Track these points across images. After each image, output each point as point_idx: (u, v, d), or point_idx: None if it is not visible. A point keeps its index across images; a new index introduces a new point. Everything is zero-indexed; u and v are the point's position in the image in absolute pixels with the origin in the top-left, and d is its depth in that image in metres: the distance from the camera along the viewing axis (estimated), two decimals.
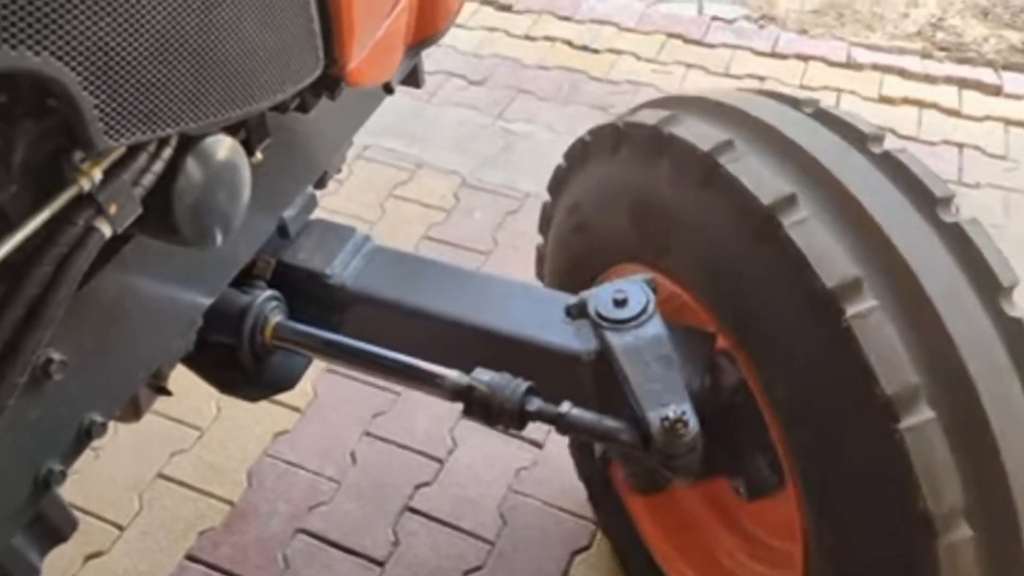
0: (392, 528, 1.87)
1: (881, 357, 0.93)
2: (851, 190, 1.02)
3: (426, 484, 1.95)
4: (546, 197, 2.71)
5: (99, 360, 0.92)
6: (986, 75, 3.12)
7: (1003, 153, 2.79)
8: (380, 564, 1.81)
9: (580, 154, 1.37)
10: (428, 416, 2.08)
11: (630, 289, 1.12)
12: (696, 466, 1.12)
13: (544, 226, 1.56)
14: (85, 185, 0.72)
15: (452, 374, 1.15)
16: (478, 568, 1.80)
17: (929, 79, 3.10)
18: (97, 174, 0.73)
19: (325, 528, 1.88)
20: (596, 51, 3.30)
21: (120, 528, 1.88)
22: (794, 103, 1.19)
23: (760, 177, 1.04)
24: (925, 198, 1.03)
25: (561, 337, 1.16)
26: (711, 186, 1.07)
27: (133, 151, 0.78)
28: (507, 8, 3.54)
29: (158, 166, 0.79)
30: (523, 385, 1.13)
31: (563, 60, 3.26)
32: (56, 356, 0.84)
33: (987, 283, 0.98)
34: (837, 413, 0.99)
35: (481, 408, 1.14)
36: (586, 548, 1.83)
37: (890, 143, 1.11)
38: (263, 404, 2.11)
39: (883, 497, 0.96)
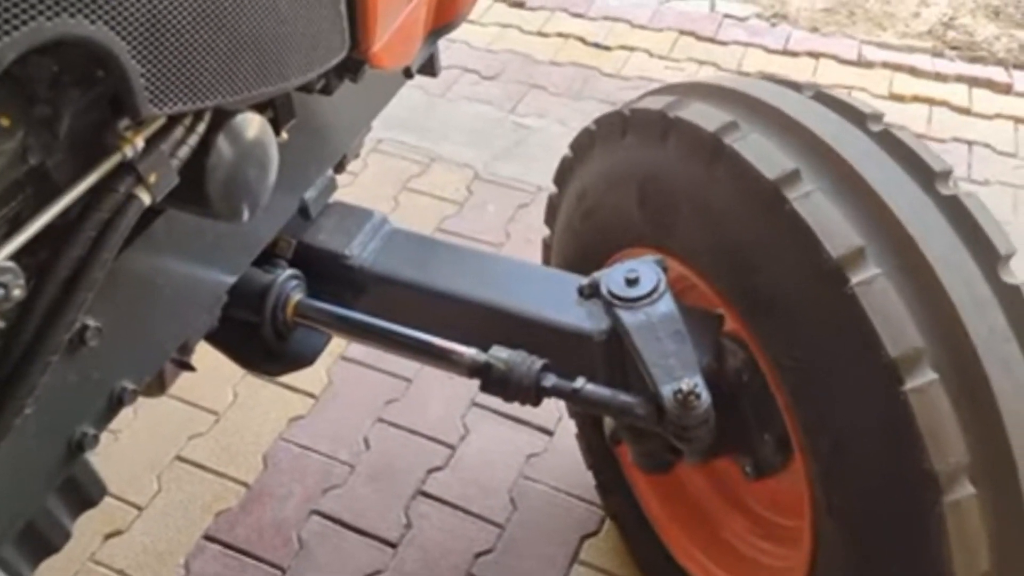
0: (404, 511, 1.90)
1: (885, 322, 0.97)
2: (853, 165, 1.06)
3: (438, 469, 1.98)
4: None
5: (131, 330, 0.96)
6: (997, 74, 3.14)
7: (1013, 151, 2.81)
8: (393, 546, 1.84)
9: (587, 143, 1.40)
10: (440, 403, 2.11)
11: (642, 268, 1.15)
12: (709, 438, 1.16)
13: (550, 217, 1.60)
14: (128, 152, 0.76)
15: (470, 351, 1.18)
16: (488, 551, 1.83)
17: (940, 77, 3.12)
18: (139, 142, 0.77)
19: (339, 510, 1.91)
20: (608, 48, 3.33)
21: (139, 508, 1.92)
22: (795, 86, 1.22)
23: (765, 154, 1.07)
24: (924, 172, 1.07)
25: (574, 317, 1.19)
26: (717, 165, 1.10)
27: (171, 123, 0.81)
28: (520, 4, 3.58)
29: (193, 139, 0.83)
30: (539, 362, 1.17)
31: (575, 56, 3.29)
32: (92, 323, 0.88)
33: (985, 252, 1.02)
34: (844, 378, 1.02)
35: (498, 384, 1.18)
36: (595, 533, 1.86)
37: (888, 121, 1.15)
38: (278, 390, 2.16)
39: (889, 457, 0.99)
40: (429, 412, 2.10)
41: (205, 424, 2.10)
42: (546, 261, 1.66)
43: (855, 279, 0.98)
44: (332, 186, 1.31)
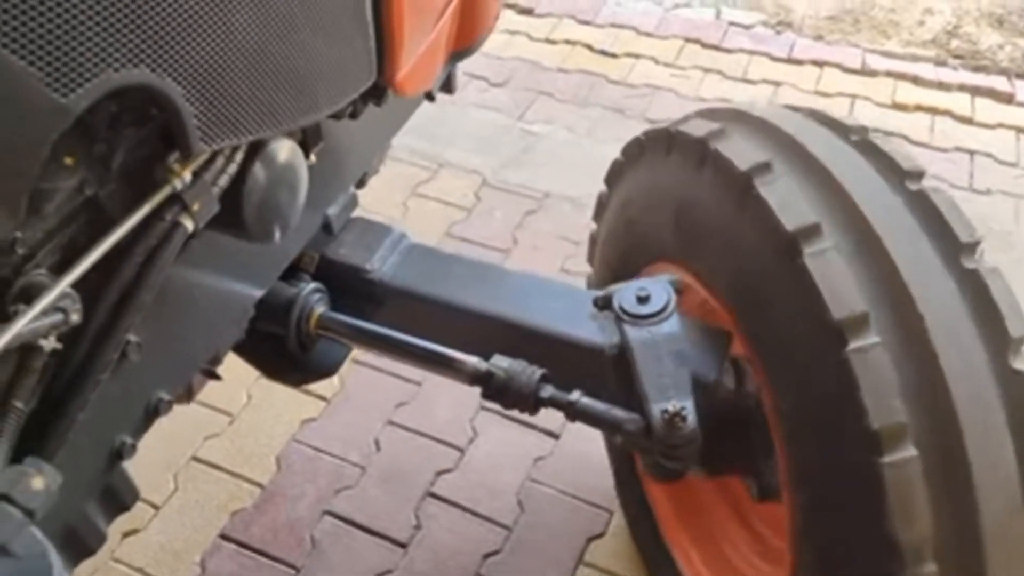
0: (414, 512, 1.95)
1: (874, 392, 0.99)
2: (875, 227, 1.06)
3: (447, 471, 2.03)
4: (565, 197, 2.79)
5: (168, 343, 1.00)
6: (999, 83, 3.18)
7: (1014, 160, 2.85)
8: (403, 546, 1.89)
9: (636, 152, 1.42)
10: (448, 407, 2.16)
11: (653, 287, 1.20)
12: (695, 458, 1.19)
13: (599, 214, 1.61)
14: (177, 184, 0.81)
15: (472, 359, 1.23)
16: (496, 552, 1.88)
17: (943, 86, 3.16)
18: (187, 175, 0.82)
19: (350, 511, 1.96)
20: (615, 55, 3.37)
21: (156, 507, 1.97)
22: (842, 130, 1.22)
23: (789, 203, 1.09)
24: (950, 242, 1.07)
25: (586, 331, 1.23)
26: (745, 204, 1.12)
27: (212, 155, 0.86)
28: (528, 12, 3.62)
29: (232, 168, 0.88)
30: (538, 372, 1.21)
31: (582, 63, 3.33)
32: (133, 338, 0.93)
33: (997, 334, 1.03)
34: (825, 439, 1.05)
35: (498, 392, 1.22)
36: (601, 535, 1.90)
37: (928, 182, 1.14)
38: (291, 392, 2.20)
39: (861, 521, 1.02)
40: (438, 415, 2.15)
41: (220, 425, 2.15)
42: (591, 254, 1.67)
43: (852, 345, 1.00)
44: (353, 202, 1.36)
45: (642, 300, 1.19)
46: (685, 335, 1.20)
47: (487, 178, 2.83)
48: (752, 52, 3.37)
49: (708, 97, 3.16)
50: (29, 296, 0.73)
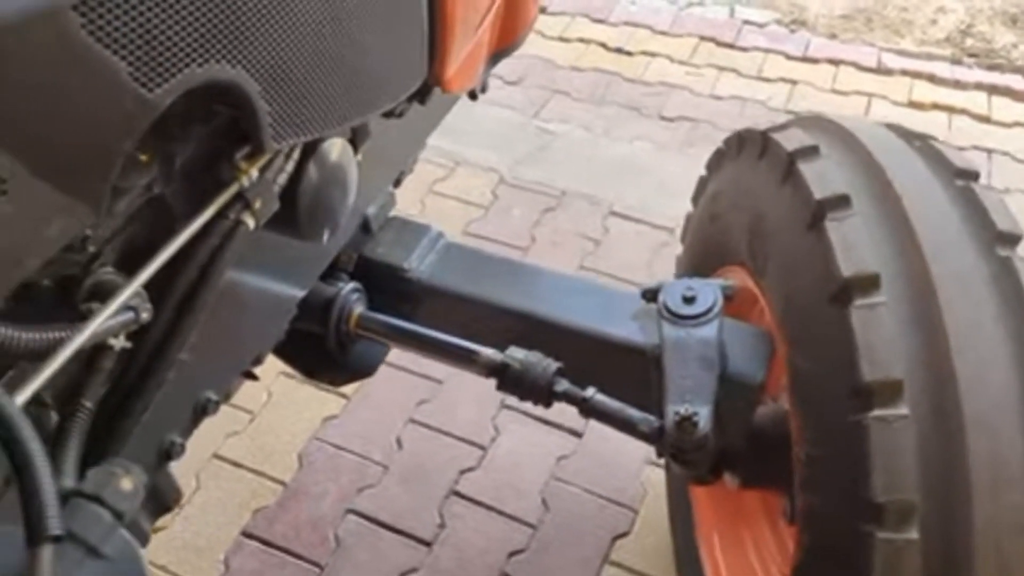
0: (438, 511, 1.95)
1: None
2: (939, 291, 0.99)
3: (470, 470, 2.03)
4: (582, 195, 2.79)
5: (216, 344, 1.00)
6: (1015, 81, 3.18)
7: None
8: (427, 545, 1.89)
9: (736, 147, 1.37)
10: (470, 405, 2.15)
11: (701, 289, 1.18)
12: (706, 465, 1.17)
13: (696, 198, 1.56)
14: (245, 182, 0.81)
15: (487, 351, 1.22)
16: (522, 550, 1.88)
17: (959, 85, 3.16)
18: (254, 173, 0.82)
19: (374, 509, 1.95)
20: (630, 53, 3.37)
21: (179, 505, 1.97)
22: (945, 169, 1.12)
23: (853, 245, 1.03)
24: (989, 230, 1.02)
25: (627, 331, 1.23)
26: (812, 234, 1.07)
27: (273, 153, 0.86)
28: (542, 10, 3.59)
29: (290, 166, 0.88)
30: (553, 366, 1.20)
31: (597, 62, 3.33)
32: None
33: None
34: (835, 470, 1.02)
35: (513, 384, 1.22)
36: (626, 534, 1.90)
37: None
38: (312, 390, 2.20)
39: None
40: (460, 414, 2.14)
41: (241, 423, 2.15)
42: (684, 234, 1.62)
43: (876, 412, 0.95)
44: (391, 202, 1.35)
45: (688, 300, 1.18)
46: (720, 342, 1.18)
47: (504, 176, 2.83)
48: (767, 50, 3.37)
49: (724, 95, 3.15)
50: (100, 295, 0.73)
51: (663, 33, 3.46)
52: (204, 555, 1.89)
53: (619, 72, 3.26)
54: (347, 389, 2.19)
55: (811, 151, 1.15)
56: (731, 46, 3.39)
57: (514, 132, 3.01)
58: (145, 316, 0.75)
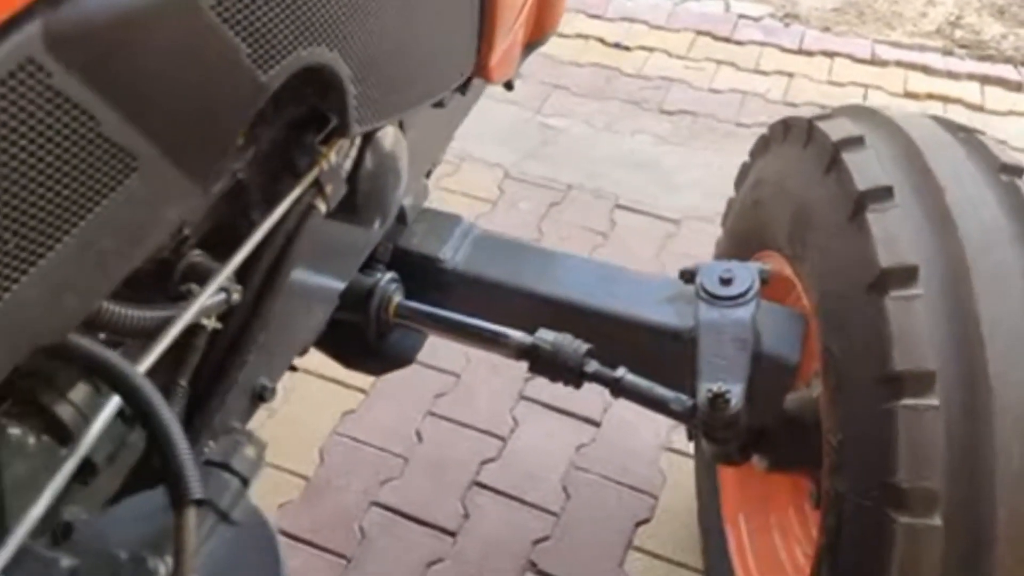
0: (461, 501, 1.97)
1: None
2: (976, 286, 1.00)
3: (491, 460, 2.05)
4: (588, 188, 2.82)
5: (271, 331, 1.02)
6: (1007, 71, 3.24)
7: None
8: (452, 535, 1.91)
9: (781, 134, 1.36)
10: (487, 397, 2.17)
11: (739, 271, 1.20)
12: (738, 443, 1.19)
13: (738, 183, 1.55)
14: (325, 166, 0.83)
15: (517, 334, 1.24)
16: (546, 538, 1.90)
17: (952, 75, 3.21)
18: (333, 157, 0.84)
19: (397, 501, 1.97)
20: (628, 48, 3.40)
21: None
22: (991, 164, 1.11)
23: (893, 237, 1.03)
24: None
25: (662, 315, 1.25)
26: (854, 224, 1.08)
27: None
28: None
29: (354, 152, 0.90)
30: (584, 347, 1.22)
31: (596, 57, 3.36)
32: None
33: None
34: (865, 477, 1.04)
35: (544, 366, 1.23)
36: (648, 520, 1.93)
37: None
38: (329, 385, 2.21)
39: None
40: (478, 406, 2.16)
41: (259, 419, 2.13)
42: (724, 219, 1.62)
43: (906, 400, 0.96)
44: (424, 193, 1.37)
45: (725, 282, 1.20)
46: (755, 322, 1.19)
47: (509, 171, 2.85)
48: (763, 44, 3.41)
49: (723, 89, 3.19)
50: (195, 277, 0.75)
51: (660, 28, 3.49)
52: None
53: (618, 67, 3.29)
54: (365, 384, 2.21)
55: (856, 141, 1.15)
56: (728, 40, 3.43)
57: (517, 128, 3.03)
58: (236, 297, 0.77)
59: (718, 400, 1.12)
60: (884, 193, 1.07)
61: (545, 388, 2.11)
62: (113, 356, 0.65)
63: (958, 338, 0.99)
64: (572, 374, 1.22)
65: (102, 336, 0.68)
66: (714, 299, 1.21)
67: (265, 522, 0.72)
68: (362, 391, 2.21)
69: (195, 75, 0.59)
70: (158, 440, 0.60)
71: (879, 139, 1.17)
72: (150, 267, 0.74)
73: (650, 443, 2.06)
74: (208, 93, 0.61)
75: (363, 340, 1.29)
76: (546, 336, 1.22)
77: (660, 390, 1.19)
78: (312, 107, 0.79)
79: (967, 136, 1.21)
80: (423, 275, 1.35)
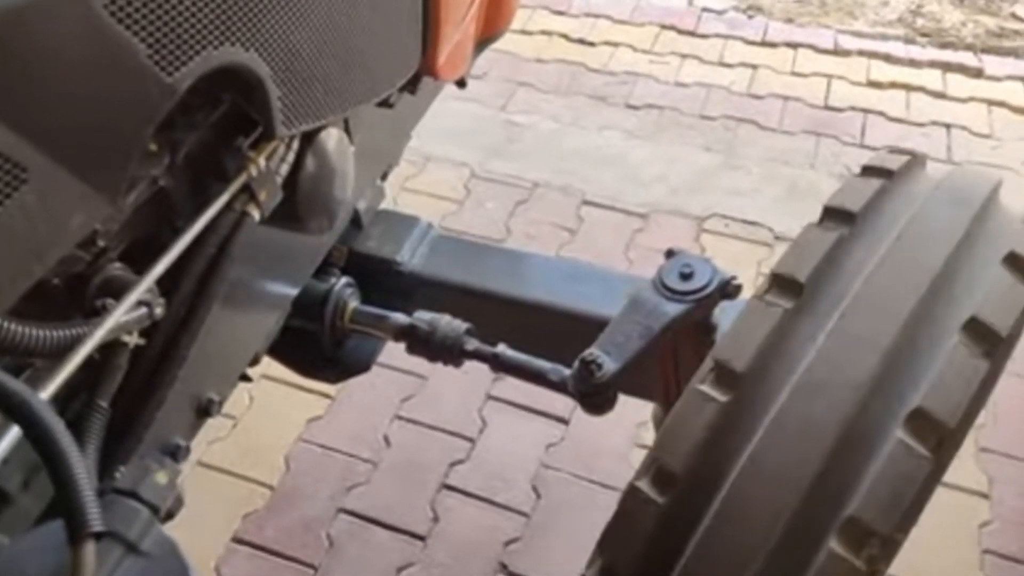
0: (430, 505, 1.94)
1: None
2: None
3: (460, 462, 2.03)
4: (555, 186, 2.79)
5: (215, 343, 0.99)
6: (967, 59, 3.26)
7: (988, 132, 2.93)
8: (422, 539, 1.88)
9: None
10: (455, 398, 2.15)
11: (700, 267, 1.18)
12: (608, 409, 1.17)
13: None
14: (253, 172, 0.80)
15: (395, 315, 1.24)
16: (517, 539, 1.88)
17: (914, 63, 3.23)
18: (262, 162, 0.80)
19: (365, 507, 1.94)
20: (592, 44, 3.39)
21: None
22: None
23: None
24: None
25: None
26: None
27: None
28: None
29: (291, 156, 0.87)
30: (462, 326, 1.21)
31: (560, 53, 3.34)
32: None
33: None
34: None
35: (422, 345, 1.22)
36: None
37: None
38: (294, 392, 2.18)
39: None
40: (445, 407, 2.14)
41: (224, 429, 2.11)
42: None
43: None
44: (380, 195, 1.34)
45: (685, 276, 1.18)
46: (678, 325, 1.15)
47: (475, 170, 2.83)
48: (727, 37, 3.41)
49: (688, 82, 3.19)
50: (112, 291, 0.72)
51: (623, 23, 3.48)
52: (196, 564, 1.87)
53: (583, 62, 3.28)
54: (330, 389, 2.17)
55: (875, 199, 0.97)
56: (692, 33, 3.42)
57: (482, 126, 3.01)
58: (159, 311, 0.74)
59: (589, 365, 1.11)
60: None
61: (512, 387, 2.10)
62: None
63: None
64: (451, 353, 1.21)
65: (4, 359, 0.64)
66: (671, 293, 1.19)
67: (177, 552, 0.69)
68: (328, 397, 2.18)
69: (87, 78, 0.56)
70: (52, 468, 0.56)
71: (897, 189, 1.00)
72: (65, 282, 0.71)
73: (619, 440, 2.05)
74: (104, 97, 0.58)
75: (319, 348, 1.27)
76: (423, 316, 1.21)
77: (538, 363, 1.18)
78: (238, 109, 0.75)
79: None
80: (380, 279, 1.32)
